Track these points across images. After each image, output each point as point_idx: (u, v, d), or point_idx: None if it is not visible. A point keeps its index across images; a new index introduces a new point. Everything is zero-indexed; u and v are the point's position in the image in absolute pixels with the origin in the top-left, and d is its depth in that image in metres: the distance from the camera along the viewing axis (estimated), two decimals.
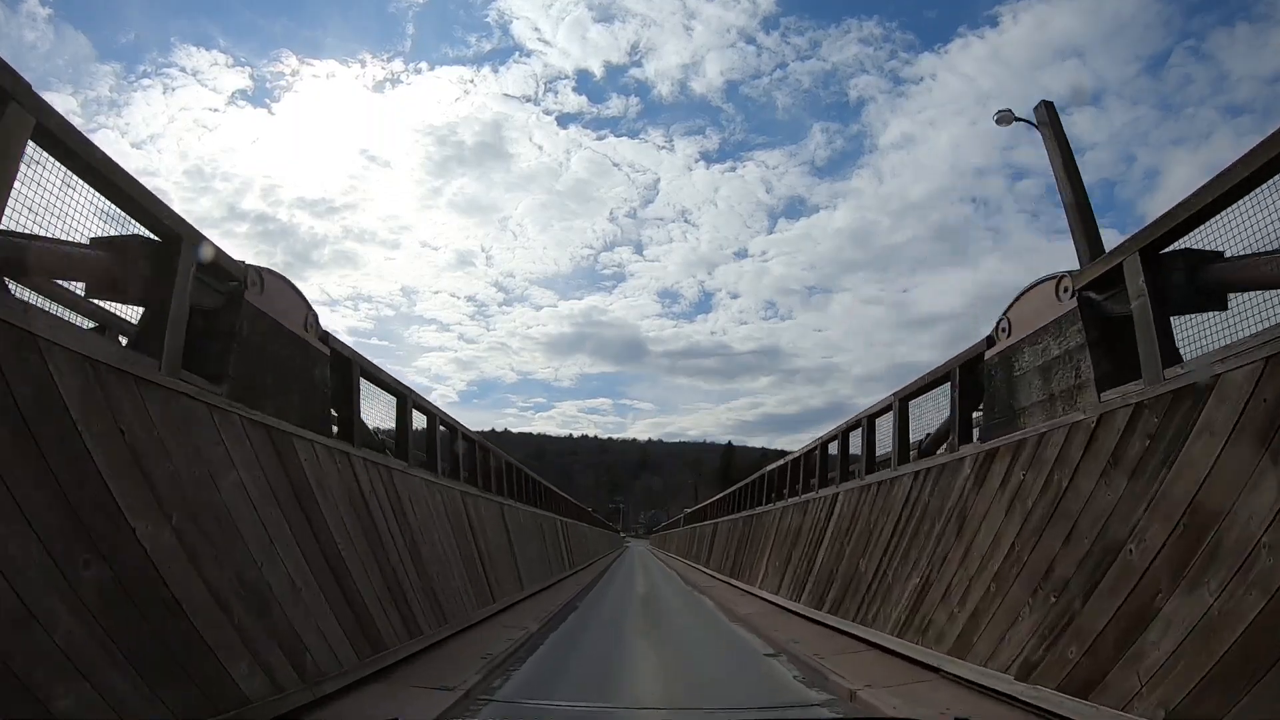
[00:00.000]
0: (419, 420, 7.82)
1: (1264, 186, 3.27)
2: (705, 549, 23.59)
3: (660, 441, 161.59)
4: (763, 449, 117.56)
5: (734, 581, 15.20)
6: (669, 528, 51.33)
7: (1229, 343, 3.41)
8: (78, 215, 3.32)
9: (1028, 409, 5.00)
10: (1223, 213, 3.48)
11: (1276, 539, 2.82)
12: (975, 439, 5.86)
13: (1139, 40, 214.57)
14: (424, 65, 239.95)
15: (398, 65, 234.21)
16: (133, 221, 3.57)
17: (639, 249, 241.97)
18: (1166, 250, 3.86)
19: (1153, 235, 3.84)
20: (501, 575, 10.41)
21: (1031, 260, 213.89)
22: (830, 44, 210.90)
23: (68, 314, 3.88)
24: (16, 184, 2.86)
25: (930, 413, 7.01)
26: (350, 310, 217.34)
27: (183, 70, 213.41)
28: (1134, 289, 3.93)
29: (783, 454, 17.55)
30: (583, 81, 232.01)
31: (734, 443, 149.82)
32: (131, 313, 4.31)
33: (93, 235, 3.48)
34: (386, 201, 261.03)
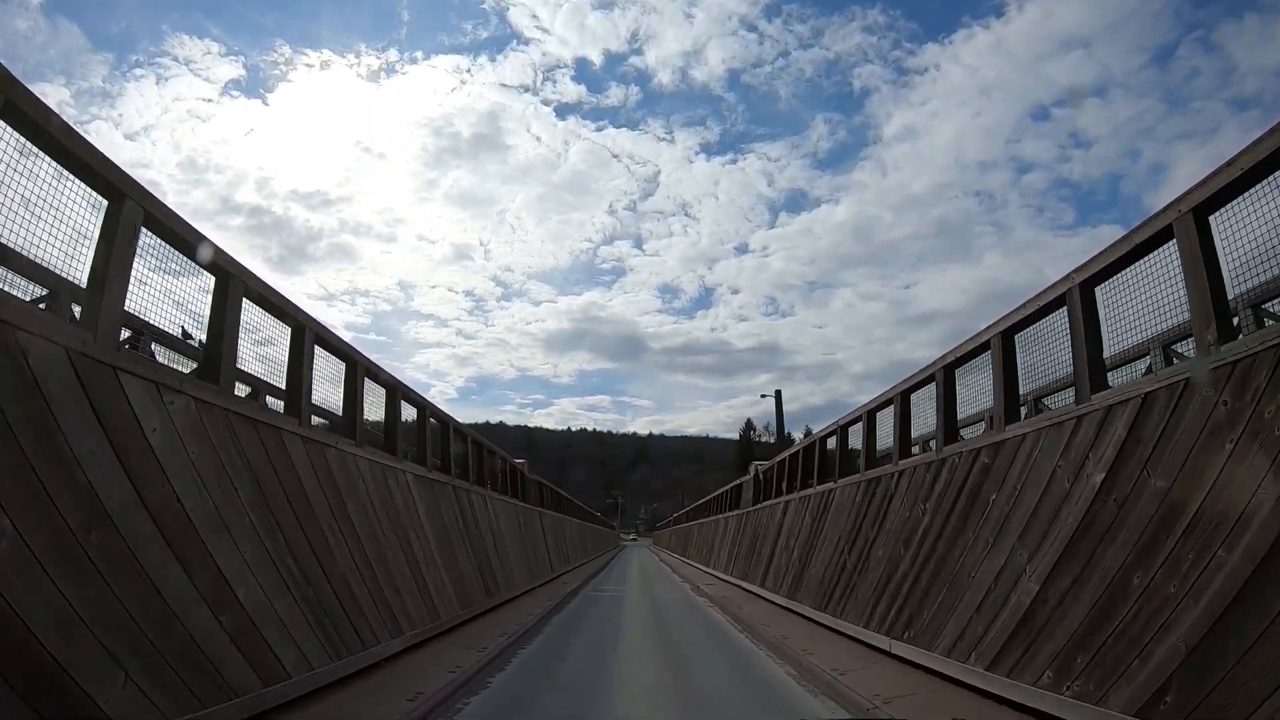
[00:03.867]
0: None
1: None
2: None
3: (660, 436, 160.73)
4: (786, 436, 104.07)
5: None
6: (689, 518, 33.81)
7: None
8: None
9: None
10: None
11: None
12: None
13: (1146, 31, 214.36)
14: (419, 54, 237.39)
15: (392, 54, 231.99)
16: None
17: (638, 243, 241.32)
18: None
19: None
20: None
21: (1034, 257, 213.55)
22: (833, 32, 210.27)
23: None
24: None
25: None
26: (348, 305, 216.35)
27: (175, 60, 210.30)
28: None
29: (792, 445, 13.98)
30: (581, 70, 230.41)
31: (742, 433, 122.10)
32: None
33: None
34: (382, 194, 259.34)
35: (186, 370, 4.73)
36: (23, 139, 3.37)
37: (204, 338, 4.88)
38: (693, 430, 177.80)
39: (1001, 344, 5.79)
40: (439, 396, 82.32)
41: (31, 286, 3.86)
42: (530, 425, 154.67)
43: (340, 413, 7.01)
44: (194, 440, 4.26)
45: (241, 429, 4.82)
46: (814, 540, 10.43)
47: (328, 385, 6.61)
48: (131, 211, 3.83)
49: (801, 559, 10.92)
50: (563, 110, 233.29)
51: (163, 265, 4.36)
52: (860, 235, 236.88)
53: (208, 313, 4.84)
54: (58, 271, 3.76)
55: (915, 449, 7.78)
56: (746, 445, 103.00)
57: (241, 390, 5.32)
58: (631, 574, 24.87)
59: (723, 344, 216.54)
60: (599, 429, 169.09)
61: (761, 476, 16.50)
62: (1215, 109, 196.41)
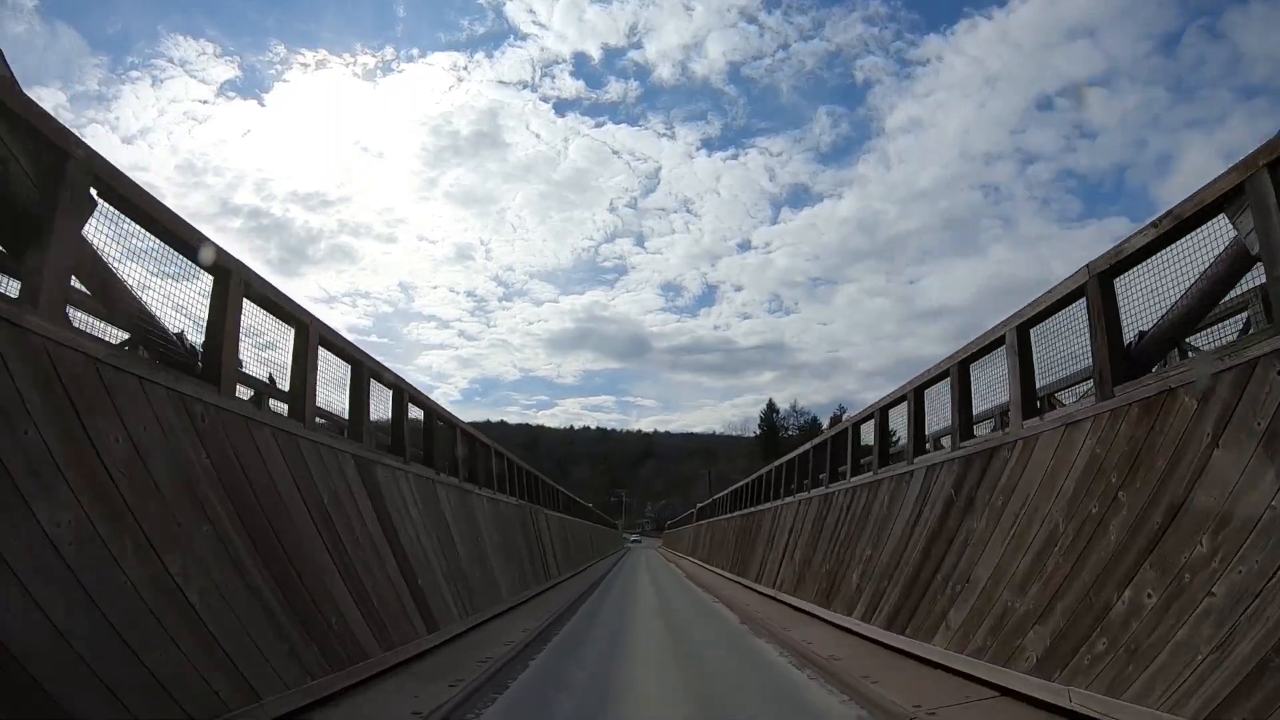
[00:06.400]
0: None
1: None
2: None
3: (666, 434, 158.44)
4: (805, 426, 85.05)
5: None
6: (737, 504, 23.09)
7: None
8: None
9: None
10: None
11: None
12: None
13: (1151, 19, 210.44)
14: (415, 52, 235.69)
15: (389, 52, 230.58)
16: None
17: (640, 241, 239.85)
18: None
19: None
20: None
21: (1042, 249, 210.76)
22: (833, 24, 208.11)
23: None
24: None
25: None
26: (349, 307, 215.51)
27: (171, 61, 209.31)
28: None
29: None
30: (580, 65, 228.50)
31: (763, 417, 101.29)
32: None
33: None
34: (381, 194, 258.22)
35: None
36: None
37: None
38: (699, 429, 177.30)
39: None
40: (442, 398, 79.78)
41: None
42: (533, 424, 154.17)
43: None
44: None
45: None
46: None
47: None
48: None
49: None
50: (562, 106, 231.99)
51: None
52: (864, 230, 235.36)
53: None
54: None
55: None
56: (770, 432, 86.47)
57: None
58: (639, 641, 9.45)
59: (727, 342, 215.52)
60: (604, 427, 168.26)
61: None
62: (1222, 97, 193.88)
